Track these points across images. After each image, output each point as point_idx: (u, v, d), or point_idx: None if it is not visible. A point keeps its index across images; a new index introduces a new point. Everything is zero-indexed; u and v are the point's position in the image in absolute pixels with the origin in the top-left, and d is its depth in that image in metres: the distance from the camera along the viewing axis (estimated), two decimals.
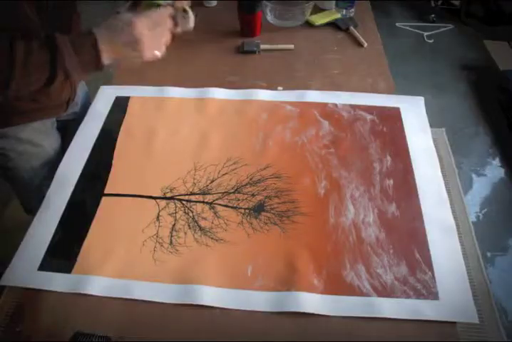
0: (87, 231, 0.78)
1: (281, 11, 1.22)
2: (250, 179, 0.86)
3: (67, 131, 1.04)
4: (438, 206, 0.81)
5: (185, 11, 0.83)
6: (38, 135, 0.96)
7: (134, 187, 0.85)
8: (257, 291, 0.70)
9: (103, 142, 0.93)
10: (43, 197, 0.83)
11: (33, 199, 0.97)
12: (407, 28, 2.77)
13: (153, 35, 0.72)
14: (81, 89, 1.09)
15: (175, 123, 0.97)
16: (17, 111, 0.88)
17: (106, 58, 0.69)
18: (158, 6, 0.79)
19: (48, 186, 0.85)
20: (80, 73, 0.69)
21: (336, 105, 1.01)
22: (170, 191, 0.84)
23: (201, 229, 0.78)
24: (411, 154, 0.90)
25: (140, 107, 1.01)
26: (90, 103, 1.05)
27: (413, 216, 0.80)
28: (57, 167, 0.89)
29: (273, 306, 0.68)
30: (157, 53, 0.75)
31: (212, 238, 0.77)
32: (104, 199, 0.83)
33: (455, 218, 0.80)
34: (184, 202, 0.82)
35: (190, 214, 0.80)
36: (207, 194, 0.84)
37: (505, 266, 1.58)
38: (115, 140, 0.94)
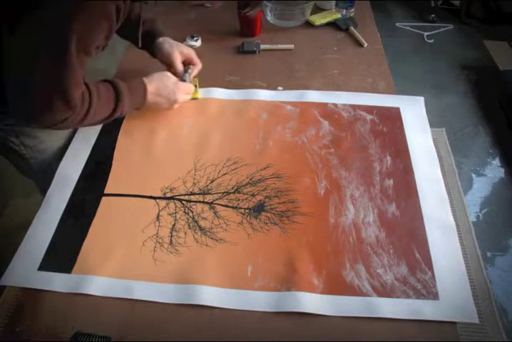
0: (87, 231, 0.78)
1: (281, 11, 1.22)
2: (250, 179, 0.86)
3: None
4: (438, 206, 0.81)
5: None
6: (55, 133, 0.96)
7: (134, 187, 0.85)
8: (257, 291, 0.70)
9: (103, 142, 0.93)
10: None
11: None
12: (407, 28, 2.77)
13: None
14: None
15: (175, 123, 0.97)
16: None
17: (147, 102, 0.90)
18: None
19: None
20: (128, 111, 0.88)
21: (336, 105, 1.01)
22: (170, 191, 0.84)
23: (201, 229, 0.78)
24: (411, 154, 0.90)
25: None
26: None
27: (413, 216, 0.80)
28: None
29: (273, 306, 0.68)
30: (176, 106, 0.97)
31: (212, 238, 0.77)
32: (104, 199, 0.83)
33: (455, 218, 0.80)
34: (184, 202, 0.82)
35: (190, 214, 0.80)
36: (207, 194, 0.84)
37: (505, 266, 1.58)
38: (115, 140, 0.94)
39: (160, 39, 1.00)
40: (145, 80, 0.89)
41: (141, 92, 0.88)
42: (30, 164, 0.99)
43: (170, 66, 1.00)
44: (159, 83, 0.91)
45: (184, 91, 0.95)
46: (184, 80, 0.98)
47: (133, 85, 0.87)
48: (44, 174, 0.98)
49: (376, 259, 0.74)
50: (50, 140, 0.96)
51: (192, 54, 1.03)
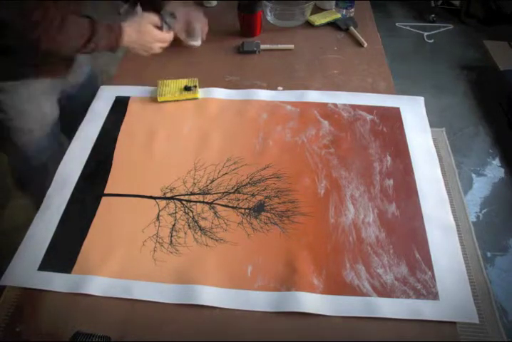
0: (87, 231, 0.78)
1: (281, 11, 1.22)
2: (250, 179, 0.86)
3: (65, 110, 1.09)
4: (438, 206, 0.81)
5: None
6: (40, 96, 0.98)
7: (134, 187, 0.85)
8: (257, 291, 0.70)
9: (103, 142, 0.93)
10: (35, 173, 0.84)
11: (25, 172, 1.00)
12: (407, 28, 2.77)
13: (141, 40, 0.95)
14: (85, 63, 1.13)
15: (175, 123, 0.97)
16: (25, 64, 0.90)
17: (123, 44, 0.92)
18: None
19: (43, 164, 0.86)
20: (104, 46, 0.89)
21: (336, 105, 1.01)
22: (170, 191, 0.84)
23: (201, 229, 0.78)
24: (411, 154, 0.90)
25: (140, 107, 1.01)
26: (93, 80, 1.14)
27: (413, 216, 0.80)
28: (54, 142, 0.92)
29: (273, 306, 0.68)
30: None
31: (212, 238, 0.77)
32: (104, 199, 0.83)
33: (455, 218, 0.80)
34: (184, 202, 0.82)
35: (190, 214, 0.80)
36: (207, 194, 0.84)
37: (505, 266, 1.58)
38: (115, 140, 0.94)
39: None
40: (124, 24, 0.92)
41: (118, 32, 0.90)
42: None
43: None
44: (136, 30, 0.93)
45: (160, 40, 0.98)
46: (166, 25, 1.00)
47: (111, 25, 0.89)
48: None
49: (376, 259, 0.74)
50: (21, 120, 0.97)
51: (193, 11, 1.06)
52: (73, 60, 1.03)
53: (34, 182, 0.88)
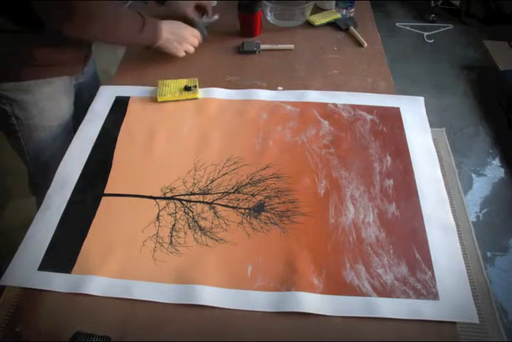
0: (87, 231, 0.78)
1: (281, 11, 1.22)
2: (250, 179, 0.86)
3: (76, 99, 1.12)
4: (438, 206, 0.81)
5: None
6: (58, 94, 1.02)
7: (134, 187, 0.85)
8: (257, 291, 0.70)
9: (103, 142, 0.93)
10: (50, 174, 0.86)
11: (41, 173, 1.04)
12: (407, 28, 2.78)
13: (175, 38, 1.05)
14: (92, 63, 1.18)
15: (175, 123, 0.97)
16: (40, 64, 0.94)
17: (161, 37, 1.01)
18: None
19: (57, 163, 0.88)
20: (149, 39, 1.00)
21: (336, 105, 1.01)
22: (170, 191, 0.84)
23: (201, 229, 0.78)
24: (411, 154, 0.90)
25: (140, 107, 1.01)
26: (95, 80, 1.20)
27: (413, 216, 0.80)
28: (70, 137, 0.95)
29: (273, 306, 0.68)
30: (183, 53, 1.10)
31: (212, 238, 0.77)
32: (104, 199, 0.83)
33: (455, 218, 0.80)
34: (184, 202, 0.82)
35: (190, 214, 0.80)
36: (207, 194, 0.84)
37: (505, 266, 1.58)
38: (115, 140, 0.94)
39: None
40: (163, 22, 1.01)
41: (156, 26, 0.98)
42: (21, 144, 1.04)
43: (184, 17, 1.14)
44: (171, 23, 1.04)
45: (193, 33, 1.09)
46: (203, 36, 1.13)
47: (156, 22, 0.99)
48: (36, 160, 1.05)
49: (376, 259, 0.74)
50: (42, 118, 1.00)
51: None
52: (89, 57, 1.09)
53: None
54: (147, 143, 0.93)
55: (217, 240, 0.76)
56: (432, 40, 2.66)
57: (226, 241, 0.76)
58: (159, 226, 0.79)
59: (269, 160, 0.89)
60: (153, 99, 1.03)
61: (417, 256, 0.74)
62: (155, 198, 0.83)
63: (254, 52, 1.17)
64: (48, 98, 0.99)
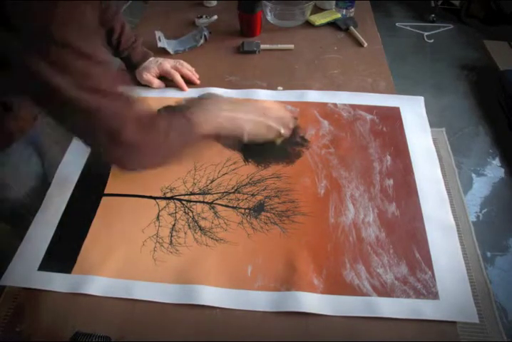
0: (87, 231, 0.78)
1: (281, 11, 1.22)
2: (250, 179, 0.86)
3: None
4: (438, 206, 0.81)
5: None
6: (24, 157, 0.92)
7: (134, 187, 0.85)
8: (257, 291, 0.70)
9: None
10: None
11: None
12: (407, 28, 2.78)
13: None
14: None
15: None
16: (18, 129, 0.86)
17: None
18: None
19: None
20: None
21: (336, 104, 1.01)
22: (170, 191, 0.84)
23: (201, 229, 0.78)
24: (411, 154, 0.90)
25: None
26: None
27: (413, 216, 0.80)
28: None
29: (273, 306, 0.68)
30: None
31: (212, 238, 0.77)
32: (104, 199, 0.83)
33: (455, 218, 0.80)
34: (184, 202, 0.82)
35: (190, 214, 0.80)
36: (207, 194, 0.84)
37: (505, 266, 1.58)
38: None
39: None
40: (187, 113, 0.72)
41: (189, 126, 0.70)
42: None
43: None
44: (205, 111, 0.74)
45: (275, 113, 0.80)
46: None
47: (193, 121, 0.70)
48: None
49: (376, 259, 0.74)
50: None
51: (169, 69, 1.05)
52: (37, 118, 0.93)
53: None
54: None
55: (217, 240, 0.76)
56: (432, 40, 2.66)
57: (226, 241, 0.76)
58: (159, 226, 0.79)
59: None
60: (154, 99, 1.02)
61: (417, 255, 0.74)
62: (155, 198, 0.83)
63: (254, 52, 1.17)
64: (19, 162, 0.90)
